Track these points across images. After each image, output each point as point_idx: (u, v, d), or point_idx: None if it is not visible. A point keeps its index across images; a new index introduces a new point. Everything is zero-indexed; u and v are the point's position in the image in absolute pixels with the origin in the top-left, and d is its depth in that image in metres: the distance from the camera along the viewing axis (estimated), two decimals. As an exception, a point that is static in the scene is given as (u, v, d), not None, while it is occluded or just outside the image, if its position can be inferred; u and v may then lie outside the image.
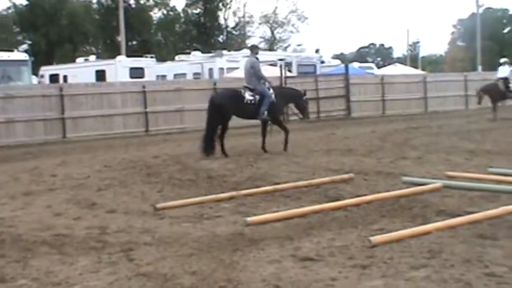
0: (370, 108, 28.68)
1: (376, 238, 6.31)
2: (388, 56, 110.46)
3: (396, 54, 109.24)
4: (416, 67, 65.23)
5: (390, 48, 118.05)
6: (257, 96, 14.51)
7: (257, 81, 14.69)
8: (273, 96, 14.60)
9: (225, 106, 14.39)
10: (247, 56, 34.27)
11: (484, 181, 9.66)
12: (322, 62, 37.51)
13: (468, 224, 6.92)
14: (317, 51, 40.70)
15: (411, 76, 33.89)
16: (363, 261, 5.73)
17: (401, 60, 77.82)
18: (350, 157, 13.36)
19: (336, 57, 68.98)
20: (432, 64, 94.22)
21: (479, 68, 49.93)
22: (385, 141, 16.63)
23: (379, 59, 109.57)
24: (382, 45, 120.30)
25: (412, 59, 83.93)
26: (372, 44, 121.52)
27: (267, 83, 14.84)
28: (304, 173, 11.30)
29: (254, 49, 15.62)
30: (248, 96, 14.50)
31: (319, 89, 27.11)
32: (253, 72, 14.72)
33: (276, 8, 75.56)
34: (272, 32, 74.52)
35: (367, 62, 69.54)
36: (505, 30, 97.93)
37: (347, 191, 9.40)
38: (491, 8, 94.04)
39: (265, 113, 14.54)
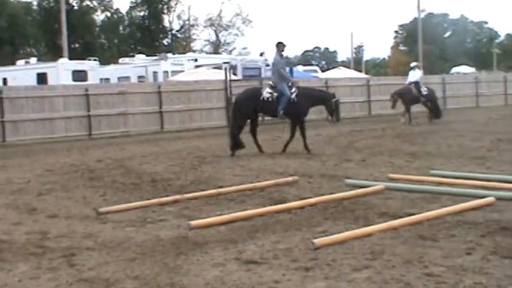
0: (314, 111, 28.79)
1: (320, 240, 6.35)
2: (332, 60, 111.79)
3: (340, 57, 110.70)
4: (360, 70, 66.13)
5: (335, 51, 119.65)
6: (275, 94, 14.42)
7: (278, 79, 14.61)
8: (293, 95, 14.39)
9: (242, 103, 14.63)
10: (193, 59, 33.86)
11: (425, 183, 9.84)
12: (267, 65, 37.55)
13: (409, 225, 7.02)
14: (261, 54, 40.69)
15: (355, 79, 34.34)
16: (306, 264, 5.76)
17: (345, 64, 78.81)
18: (295, 160, 13.43)
19: (280, 60, 69.12)
20: (376, 68, 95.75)
21: (421, 72, 50.84)
22: (330, 144, 16.80)
23: (323, 62, 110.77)
24: (327, 48, 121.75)
25: (356, 63, 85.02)
26: (317, 47, 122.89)
27: (290, 81, 14.70)
28: (248, 176, 11.31)
29: (278, 46, 15.14)
30: (266, 93, 14.49)
31: (263, 92, 27.13)
32: (275, 69, 14.76)
33: (221, 11, 75.50)
34: (217, 35, 74.50)
35: (311, 65, 70.12)
36: (446, 35, 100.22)
37: (291, 193, 9.44)
38: (432, 13, 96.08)
39: (281, 111, 14.42)
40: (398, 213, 7.72)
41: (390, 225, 6.97)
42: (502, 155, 13.23)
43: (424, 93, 24.14)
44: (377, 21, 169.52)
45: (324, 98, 15.18)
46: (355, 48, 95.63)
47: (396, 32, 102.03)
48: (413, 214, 7.53)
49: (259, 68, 33.77)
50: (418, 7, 55.56)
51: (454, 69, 63.14)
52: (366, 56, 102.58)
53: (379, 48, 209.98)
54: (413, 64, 26.18)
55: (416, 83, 24.15)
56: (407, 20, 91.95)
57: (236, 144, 14.43)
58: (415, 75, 24.58)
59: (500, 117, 25.33)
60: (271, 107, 14.45)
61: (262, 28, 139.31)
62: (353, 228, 6.94)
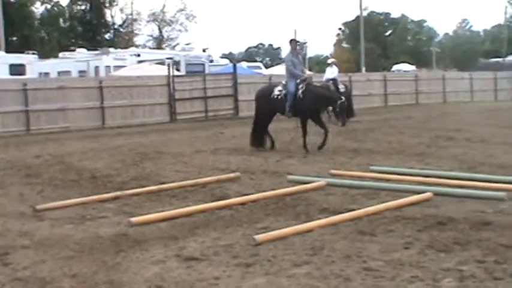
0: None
1: (261, 236, 6.36)
2: (276, 56, 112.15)
3: (284, 54, 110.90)
4: (304, 67, 66.41)
5: (279, 48, 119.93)
6: (284, 92, 14.20)
7: (288, 76, 14.40)
8: (299, 92, 13.96)
9: (257, 100, 14.79)
10: (136, 55, 33.43)
11: (365, 179, 9.97)
12: (211, 61, 37.51)
13: (349, 220, 7.11)
14: (204, 50, 40.57)
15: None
16: (247, 260, 5.76)
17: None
18: (237, 156, 13.43)
19: (224, 56, 69.10)
20: (319, 64, 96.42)
21: (363, 69, 51.57)
22: (272, 140, 16.80)
23: (267, 58, 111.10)
24: (271, 45, 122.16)
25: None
26: (261, 44, 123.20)
27: (299, 78, 14.16)
28: (190, 173, 11.26)
29: (290, 43, 14.89)
30: (276, 91, 14.33)
31: (207, 88, 27.11)
32: (285, 67, 14.62)
33: (164, 6, 75.08)
34: (160, 31, 73.78)
35: (255, 61, 70.24)
36: (387, 33, 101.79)
37: (233, 190, 9.44)
38: (374, 12, 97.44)
39: (288, 109, 14.09)
40: (338, 209, 7.80)
41: (330, 221, 7.04)
42: (440, 151, 13.49)
43: (342, 90, 23.15)
44: (320, 19, 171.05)
45: (330, 98, 14.38)
46: (298, 44, 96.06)
47: (340, 29, 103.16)
48: (353, 210, 7.62)
49: (203, 64, 33.64)
50: (360, 5, 56.29)
51: (395, 67, 64.16)
52: (310, 53, 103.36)
53: (323, 45, 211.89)
54: (330, 61, 25.97)
55: (334, 80, 23.45)
56: (350, 18, 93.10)
57: (256, 140, 14.45)
58: (333, 71, 24.07)
59: (439, 114, 25.84)
60: (281, 104, 14.19)
61: (206, 24, 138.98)
62: (294, 224, 6.97)
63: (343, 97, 14.04)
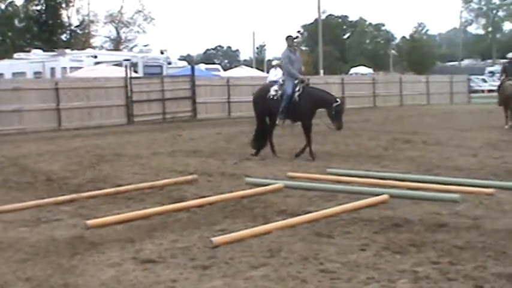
0: (216, 110, 28.87)
1: (218, 239, 6.35)
2: (235, 59, 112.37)
3: (243, 56, 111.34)
4: (262, 70, 66.67)
5: (237, 50, 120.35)
6: (280, 92, 13.32)
7: (285, 75, 13.55)
8: (295, 95, 13.08)
9: (254, 102, 14.10)
10: (92, 56, 33.12)
11: (322, 181, 10.03)
12: (169, 63, 37.33)
13: (307, 222, 7.13)
14: (163, 52, 40.35)
15: (257, 78, 34.49)
16: (204, 262, 5.74)
17: (247, 63, 79.37)
18: (195, 158, 13.39)
19: (182, 58, 69.01)
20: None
21: (321, 71, 51.89)
22: (230, 143, 16.82)
23: (226, 61, 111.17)
24: (229, 47, 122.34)
25: (258, 62, 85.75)
26: (219, 46, 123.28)
27: (297, 79, 13.24)
28: (148, 175, 11.19)
29: (287, 40, 13.82)
30: (272, 91, 13.48)
31: (165, 90, 26.98)
32: (283, 65, 13.75)
33: (122, 7, 74.30)
34: (118, 32, 73.18)
35: (214, 63, 70.17)
36: (345, 36, 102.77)
37: (191, 192, 9.40)
38: (333, 15, 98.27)
39: (280, 110, 13.18)
40: (296, 211, 7.82)
41: (288, 223, 7.06)
42: (397, 154, 13.64)
43: None
44: (279, 21, 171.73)
45: (326, 100, 13.15)
46: (257, 47, 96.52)
47: (298, 32, 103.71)
48: (310, 212, 7.66)
49: (161, 66, 33.49)
50: (319, 8, 56.69)
51: (353, 70, 64.84)
52: (268, 56, 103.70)
53: (282, 48, 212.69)
54: (274, 62, 25.93)
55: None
56: (309, 21, 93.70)
57: (256, 143, 13.71)
58: (277, 73, 22.82)
59: (397, 117, 26.14)
60: (277, 105, 13.28)
61: (164, 26, 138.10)
62: (252, 227, 6.97)
63: (338, 99, 13.16)
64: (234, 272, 5.47)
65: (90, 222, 7.23)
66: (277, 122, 13.59)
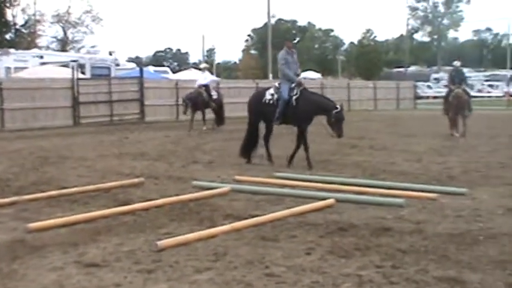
0: (164, 113, 28.69)
1: (163, 242, 6.29)
2: (184, 61, 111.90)
3: (192, 59, 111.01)
4: (211, 73, 66.59)
5: (186, 53, 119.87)
6: (276, 95, 12.67)
7: (281, 78, 12.97)
8: (292, 99, 12.44)
9: (248, 106, 13.29)
10: (38, 56, 32.46)
11: (269, 185, 10.04)
12: (117, 64, 36.99)
13: (253, 226, 7.12)
14: (111, 53, 39.96)
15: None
16: (148, 266, 5.68)
17: (197, 66, 79.08)
18: (142, 161, 13.27)
19: (131, 60, 68.28)
20: (227, 71, 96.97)
21: (270, 76, 52.09)
22: (178, 146, 16.73)
23: (175, 63, 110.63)
24: (179, 50, 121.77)
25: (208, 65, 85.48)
26: (169, 48, 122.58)
27: (293, 82, 12.66)
28: (94, 177, 11.04)
29: (285, 43, 13.54)
30: (268, 95, 12.80)
31: (113, 92, 26.72)
32: (279, 67, 13.06)
33: (69, 7, 72.80)
34: (65, 32, 72.09)
35: (163, 66, 69.77)
36: (295, 41, 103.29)
37: (137, 195, 9.30)
38: (282, 20, 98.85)
39: (277, 116, 12.55)
40: (242, 215, 7.81)
41: (234, 227, 7.04)
42: (344, 158, 13.78)
43: (214, 97, 22.94)
44: (229, 25, 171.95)
45: (325, 106, 12.49)
46: (206, 50, 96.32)
47: (248, 35, 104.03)
48: (257, 216, 7.65)
49: (109, 67, 33.16)
50: (268, 13, 56.84)
51: (302, 75, 65.12)
52: (218, 59, 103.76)
53: (231, 51, 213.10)
54: (202, 66, 25.89)
55: (207, 86, 23.01)
56: (259, 25, 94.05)
57: (245, 150, 13.09)
58: (206, 77, 23.57)
59: (344, 122, 26.29)
60: (272, 110, 12.64)
61: (113, 27, 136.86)
62: (198, 230, 6.93)
63: (338, 106, 12.45)
64: (179, 275, 5.42)
65: (31, 225, 7.08)
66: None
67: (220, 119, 23.00)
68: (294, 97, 12.46)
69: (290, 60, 12.95)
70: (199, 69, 24.19)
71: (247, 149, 13.07)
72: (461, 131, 18.94)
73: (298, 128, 12.59)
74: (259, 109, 12.91)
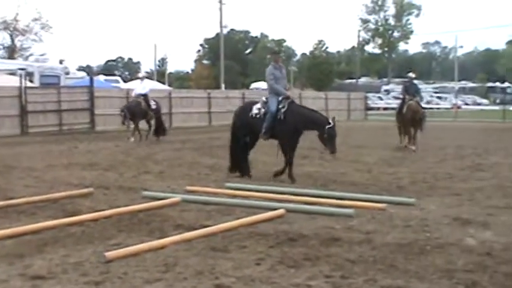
0: (114, 122, 28.29)
1: (111, 253, 6.21)
2: (136, 70, 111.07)
3: (144, 68, 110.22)
4: (163, 82, 66.36)
5: (138, 62, 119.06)
6: (263, 110, 12.35)
7: (269, 92, 12.55)
8: (280, 112, 12.12)
9: (234, 119, 13.00)
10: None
11: (220, 195, 10.02)
12: (67, 73, 36.49)
13: (203, 237, 7.10)
14: (61, 62, 39.42)
15: (157, 91, 34.25)
16: (96, 278, 5.60)
17: (148, 75, 78.58)
18: (91, 171, 13.10)
19: (81, 69, 67.51)
20: (179, 80, 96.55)
21: (223, 86, 52.17)
22: (129, 156, 16.58)
23: (127, 73, 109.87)
24: (131, 59, 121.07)
25: (160, 75, 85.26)
26: (120, 57, 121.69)
27: (281, 96, 12.35)
28: (41, 188, 10.86)
29: (272, 56, 13.53)
30: (254, 109, 12.48)
31: (62, 101, 26.37)
32: (267, 81, 12.72)
33: (17, 14, 71.43)
34: (12, 40, 70.76)
35: (114, 75, 69.11)
36: (247, 51, 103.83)
37: (86, 205, 9.18)
38: (234, 30, 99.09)
39: (263, 131, 12.19)
40: (193, 225, 7.77)
41: (184, 237, 7.00)
42: (295, 169, 13.71)
43: (153, 107, 22.67)
44: (181, 34, 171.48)
45: (317, 121, 12.04)
46: (159, 60, 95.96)
47: (201, 45, 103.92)
48: (207, 226, 7.63)
49: (58, 76, 32.70)
50: (221, 23, 57.07)
51: (254, 85, 65.42)
52: (170, 68, 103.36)
53: (183, 61, 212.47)
54: (141, 75, 25.84)
55: (145, 96, 22.65)
56: (211, 35, 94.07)
57: (234, 166, 12.75)
58: (144, 87, 23.30)
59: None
60: (259, 125, 12.31)
61: (63, 35, 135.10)
62: (147, 241, 6.87)
63: (331, 121, 11.92)
64: (127, 287, 5.36)
65: (-24, 237, 6.92)
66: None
67: (161, 129, 22.69)
68: (283, 110, 12.19)
69: (278, 75, 12.67)
70: (138, 78, 23.79)
71: (237, 162, 12.79)
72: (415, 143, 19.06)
73: (284, 142, 12.32)
74: (245, 122, 12.64)
